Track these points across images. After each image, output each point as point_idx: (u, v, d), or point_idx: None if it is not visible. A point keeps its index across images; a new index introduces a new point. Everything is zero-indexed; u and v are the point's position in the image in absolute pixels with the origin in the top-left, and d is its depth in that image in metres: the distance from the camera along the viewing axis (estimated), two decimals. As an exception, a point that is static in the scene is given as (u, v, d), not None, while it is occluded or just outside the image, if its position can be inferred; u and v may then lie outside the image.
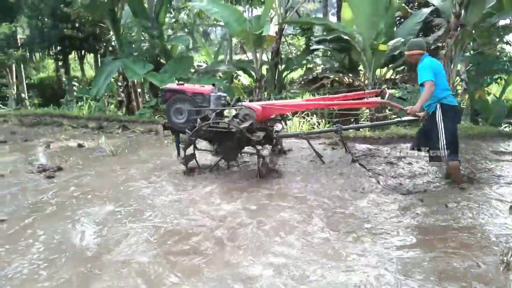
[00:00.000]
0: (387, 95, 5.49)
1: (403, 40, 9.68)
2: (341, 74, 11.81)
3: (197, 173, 5.37)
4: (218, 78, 12.85)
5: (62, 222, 3.87)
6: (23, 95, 14.89)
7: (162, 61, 11.80)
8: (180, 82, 6.00)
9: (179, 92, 5.57)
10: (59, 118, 10.42)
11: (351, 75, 11.64)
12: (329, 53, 12.53)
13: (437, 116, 4.55)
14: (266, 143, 5.80)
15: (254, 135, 5.19)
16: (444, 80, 4.64)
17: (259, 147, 5.41)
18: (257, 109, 5.36)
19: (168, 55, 11.65)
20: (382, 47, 9.10)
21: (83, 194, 4.65)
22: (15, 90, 14.88)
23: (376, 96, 5.96)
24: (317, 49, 12.25)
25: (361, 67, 11.44)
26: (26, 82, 16.09)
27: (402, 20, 12.43)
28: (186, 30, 14.83)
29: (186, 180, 5.11)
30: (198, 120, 5.30)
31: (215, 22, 16.76)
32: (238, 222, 3.83)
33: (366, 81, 10.40)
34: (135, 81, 11.80)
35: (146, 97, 13.23)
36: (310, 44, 11.70)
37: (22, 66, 15.39)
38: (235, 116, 5.46)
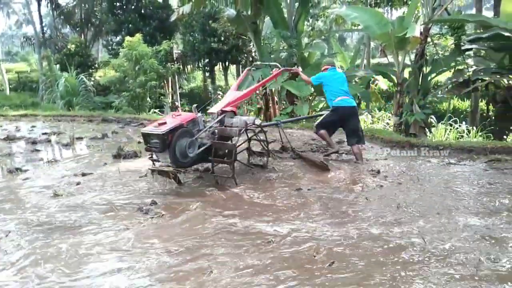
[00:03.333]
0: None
1: None
2: (498, 76, 10.38)
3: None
4: (354, 83, 12.52)
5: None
6: (176, 103, 16.79)
7: (300, 69, 12.00)
8: (160, 121, 4.95)
9: (179, 127, 4.90)
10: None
11: (511, 76, 10.14)
12: (484, 53, 11.13)
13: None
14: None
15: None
16: (330, 90, 6.28)
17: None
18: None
19: (306, 62, 11.80)
20: (555, 42, 7.72)
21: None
22: (170, 99, 16.86)
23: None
24: (469, 49, 10.99)
25: (525, 67, 9.90)
26: (179, 91, 18.11)
27: None
28: (322, 37, 14.86)
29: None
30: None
31: (352, 27, 16.44)
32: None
33: (532, 83, 8.95)
34: (273, 89, 12.26)
35: (283, 104, 13.63)
36: (461, 43, 10.55)
37: (176, 77, 17.39)
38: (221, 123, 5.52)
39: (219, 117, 5.47)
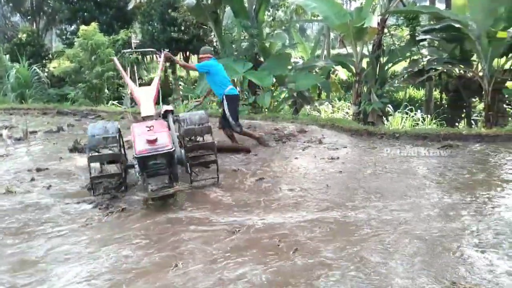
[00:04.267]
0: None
1: (527, 25, 8.56)
2: (450, 66, 10.86)
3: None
4: (315, 73, 12.70)
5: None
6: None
7: (261, 59, 12.01)
8: (148, 137, 4.23)
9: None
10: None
11: (462, 66, 10.63)
12: (437, 43, 11.59)
13: (224, 104, 6.23)
14: None
15: None
16: (217, 80, 6.29)
17: None
18: None
19: (267, 53, 11.81)
20: (501, 34, 8.16)
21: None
22: (129, 90, 16.38)
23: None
24: (423, 40, 11.41)
25: (474, 58, 10.40)
26: (139, 82, 17.62)
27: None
28: (283, 27, 14.92)
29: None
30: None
31: (312, 17, 16.60)
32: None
33: (481, 73, 9.42)
34: (235, 79, 12.21)
35: (245, 94, 13.62)
36: (416, 34, 10.92)
37: (135, 68, 16.90)
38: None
39: (175, 117, 5.08)
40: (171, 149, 4.12)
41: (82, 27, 13.03)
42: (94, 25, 12.95)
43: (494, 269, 2.95)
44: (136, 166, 4.29)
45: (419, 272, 2.93)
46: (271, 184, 4.91)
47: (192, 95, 12.41)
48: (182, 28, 15.14)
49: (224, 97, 6.27)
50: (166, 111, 4.93)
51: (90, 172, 4.50)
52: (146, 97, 4.92)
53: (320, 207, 4.18)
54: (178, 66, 19.71)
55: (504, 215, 3.85)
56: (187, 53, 16.91)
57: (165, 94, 16.66)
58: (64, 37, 19.46)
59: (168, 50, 15.73)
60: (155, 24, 15.53)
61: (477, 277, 2.85)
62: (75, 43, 13.35)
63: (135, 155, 4.15)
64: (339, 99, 16.53)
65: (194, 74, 20.21)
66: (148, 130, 4.25)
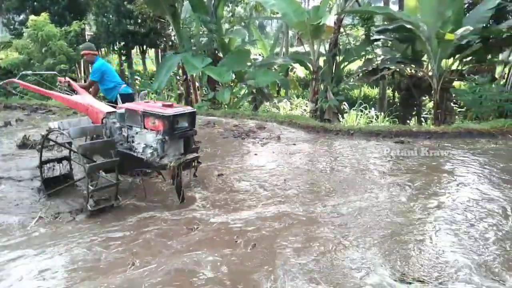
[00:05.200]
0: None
1: (472, 28, 9.05)
2: (403, 65, 11.32)
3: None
4: (274, 70, 12.82)
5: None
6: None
7: (220, 55, 11.96)
8: (162, 103, 4.30)
9: None
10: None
11: (413, 66, 11.11)
12: (390, 43, 12.04)
13: (118, 103, 5.70)
14: None
15: None
16: (112, 76, 6.06)
17: None
18: None
19: (226, 48, 11.78)
20: (449, 36, 8.56)
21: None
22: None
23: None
24: (378, 40, 11.82)
25: (425, 58, 10.90)
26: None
27: (471, 7, 11.63)
28: (242, 23, 14.91)
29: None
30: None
31: (271, 15, 16.72)
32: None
33: (431, 73, 9.89)
34: (194, 75, 12.08)
35: (204, 90, 13.52)
36: (371, 34, 11.29)
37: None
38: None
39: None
40: (192, 109, 4.20)
41: (32, 17, 12.37)
42: (44, 15, 12.34)
43: (443, 260, 3.14)
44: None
45: (373, 263, 3.06)
46: (231, 180, 4.93)
47: (150, 89, 12.15)
48: (139, 21, 14.73)
49: (118, 96, 5.99)
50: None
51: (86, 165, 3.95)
52: (95, 100, 4.97)
53: (279, 202, 4.25)
54: (134, 59, 19.25)
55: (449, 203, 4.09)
56: (144, 47, 16.49)
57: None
58: (11, 27, 18.38)
59: (124, 43, 15.28)
60: (110, 16, 14.99)
61: (426, 268, 3.02)
62: (24, 33, 12.67)
63: (165, 116, 3.90)
64: (297, 97, 16.79)
65: (151, 67, 19.83)
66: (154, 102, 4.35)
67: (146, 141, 4.11)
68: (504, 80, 9.50)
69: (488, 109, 8.63)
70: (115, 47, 16.38)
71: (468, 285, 2.80)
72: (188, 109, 4.18)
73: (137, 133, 4.19)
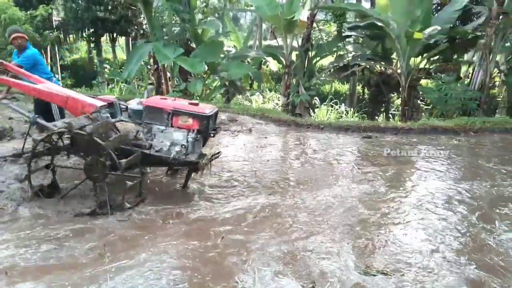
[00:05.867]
0: None
1: (439, 28, 9.33)
2: (372, 62, 11.55)
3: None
4: (247, 63, 12.79)
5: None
6: (56, 75, 15.25)
7: (193, 45, 11.82)
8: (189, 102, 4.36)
9: None
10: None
11: (383, 63, 11.36)
12: (361, 40, 12.25)
13: None
14: None
15: None
16: (45, 67, 5.70)
17: None
18: None
19: (199, 39, 11.63)
20: (417, 35, 8.80)
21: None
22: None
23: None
24: (349, 36, 11.99)
25: (394, 56, 11.15)
26: (60, 63, 16.47)
27: (440, 7, 11.98)
28: (216, 14, 14.77)
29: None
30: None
31: (246, 7, 16.65)
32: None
33: (399, 70, 10.14)
34: (166, 65, 11.89)
35: (176, 81, 13.33)
36: (342, 30, 11.44)
37: (56, 47, 15.74)
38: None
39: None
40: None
41: (-6, -1, 11.82)
42: (8, -3, 11.82)
43: (407, 252, 3.25)
44: None
45: (340, 255, 3.13)
46: (201, 172, 4.90)
47: (119, 78, 11.87)
48: (109, 7, 14.33)
49: None
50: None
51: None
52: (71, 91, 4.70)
53: (249, 195, 4.28)
54: (103, 47, 18.73)
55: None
56: (114, 34, 16.05)
57: (89, 76, 15.83)
58: (-29, 8, 17.46)
59: (93, 30, 14.83)
60: (80, 1, 14.51)
61: (390, 260, 3.12)
62: (-15, 16, 12.07)
63: (202, 116, 3.99)
64: (270, 90, 16.83)
65: (121, 56, 19.36)
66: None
67: (173, 139, 4.07)
68: (468, 80, 9.88)
69: (452, 107, 8.94)
70: (84, 34, 15.89)
71: (431, 276, 2.90)
72: (215, 108, 4.29)
73: (162, 131, 4.10)
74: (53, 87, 4.59)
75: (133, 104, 4.27)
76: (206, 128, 4.03)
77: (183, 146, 4.01)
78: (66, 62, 19.00)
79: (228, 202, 4.06)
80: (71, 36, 17.88)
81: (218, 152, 4.55)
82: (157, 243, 3.21)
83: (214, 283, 2.71)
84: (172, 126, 4.06)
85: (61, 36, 16.15)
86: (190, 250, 3.11)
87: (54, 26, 15.52)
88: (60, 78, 15.27)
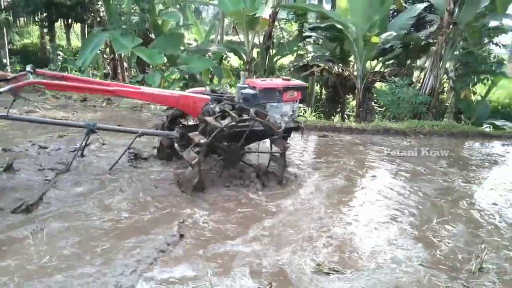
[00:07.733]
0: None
1: (395, 34, 9.70)
2: (331, 64, 11.80)
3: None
4: (208, 57, 12.68)
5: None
6: (4, 60, 14.41)
7: (152, 36, 11.55)
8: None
9: None
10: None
11: (341, 65, 11.63)
12: (321, 41, 12.48)
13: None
14: None
15: None
16: None
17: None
18: None
19: (158, 30, 11.39)
20: (374, 39, 9.09)
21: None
22: (-4, 55, 14.39)
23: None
24: (310, 36, 12.18)
25: (351, 58, 11.45)
26: (9, 47, 15.57)
27: (396, 13, 12.44)
28: (177, 6, 14.51)
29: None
30: None
31: (208, 0, 16.48)
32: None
33: (356, 73, 10.43)
34: (122, 54, 11.55)
35: (133, 71, 12.99)
36: (303, 30, 11.61)
37: (4, 30, 14.86)
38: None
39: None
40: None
41: None
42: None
43: (360, 249, 3.35)
44: None
45: (288, 251, 3.18)
46: (158, 164, 4.83)
47: (73, 66, 11.40)
48: (65, -9, 13.73)
49: None
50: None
51: None
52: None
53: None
54: (57, 33, 17.88)
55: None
56: (69, 20, 15.34)
57: (41, 63, 15.04)
58: None
59: (46, 15, 14.14)
60: (31, -18, 13.76)
61: (344, 258, 3.21)
62: None
63: (303, 87, 4.96)
64: (230, 86, 16.76)
65: (75, 43, 18.62)
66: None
67: (282, 112, 4.80)
68: (419, 85, 10.33)
69: (404, 110, 9.32)
70: (36, 18, 15.08)
71: (385, 272, 2.99)
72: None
73: (276, 107, 4.74)
74: (157, 90, 4.90)
75: (247, 90, 4.63)
76: (305, 96, 4.96)
77: (287, 116, 4.83)
78: (15, 47, 18.00)
79: (181, 199, 4.01)
80: (21, 19, 16.97)
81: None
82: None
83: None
84: (281, 102, 4.73)
85: (10, 18, 15.26)
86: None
87: (3, 7, 14.65)
88: (8, 63, 14.46)
